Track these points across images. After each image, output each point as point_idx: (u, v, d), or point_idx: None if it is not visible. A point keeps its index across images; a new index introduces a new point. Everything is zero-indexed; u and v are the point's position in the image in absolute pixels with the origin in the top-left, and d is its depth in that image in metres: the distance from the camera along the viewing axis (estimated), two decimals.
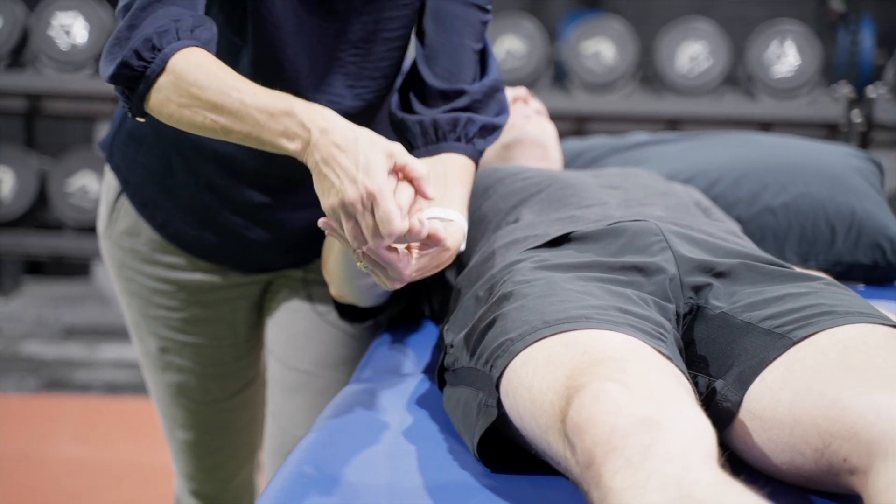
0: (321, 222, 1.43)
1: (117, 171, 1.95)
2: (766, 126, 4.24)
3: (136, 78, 1.50)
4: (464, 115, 1.72)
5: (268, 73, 1.70)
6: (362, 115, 1.78)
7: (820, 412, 1.25)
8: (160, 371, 2.08)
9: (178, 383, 2.08)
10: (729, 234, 1.66)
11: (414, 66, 1.78)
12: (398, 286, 1.45)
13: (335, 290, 1.80)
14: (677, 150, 2.34)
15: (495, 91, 1.79)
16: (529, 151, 2.13)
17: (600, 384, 1.18)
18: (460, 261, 1.80)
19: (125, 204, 1.96)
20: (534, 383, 1.29)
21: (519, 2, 8.02)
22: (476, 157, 1.74)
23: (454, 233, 1.54)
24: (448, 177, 1.68)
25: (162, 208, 1.92)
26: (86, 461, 3.65)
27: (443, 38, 1.76)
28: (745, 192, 2.18)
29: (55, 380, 4.32)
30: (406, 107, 1.78)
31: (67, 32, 4.34)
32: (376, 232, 1.36)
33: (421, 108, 1.75)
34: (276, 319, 2.03)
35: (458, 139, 1.72)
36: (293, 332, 2.00)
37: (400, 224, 1.35)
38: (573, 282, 1.45)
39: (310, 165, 1.40)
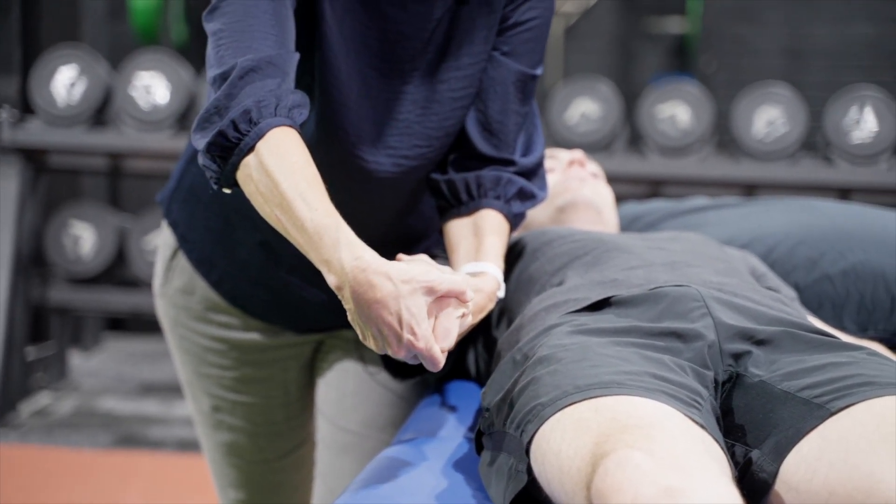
0: None
1: (174, 226, 1.97)
2: (844, 192, 4.18)
3: (229, 148, 1.52)
4: (505, 175, 1.76)
5: (332, 133, 1.73)
6: (421, 170, 1.81)
7: (854, 485, 1.22)
8: (212, 430, 2.09)
9: (230, 442, 2.09)
10: (775, 302, 1.64)
11: (463, 129, 1.80)
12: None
13: None
14: (736, 216, 2.32)
15: (539, 167, 1.85)
16: (584, 214, 2.12)
17: (626, 452, 1.17)
18: (507, 321, 1.80)
19: (181, 262, 1.98)
20: (561, 449, 1.27)
21: (605, 65, 8.06)
22: (511, 218, 1.78)
23: (487, 283, 1.64)
24: (483, 230, 1.74)
25: (218, 266, 1.94)
26: None
27: (497, 106, 1.79)
28: (803, 258, 2.15)
29: (129, 436, 4.36)
30: (445, 169, 1.81)
31: (149, 92, 4.41)
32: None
33: (458, 174, 1.79)
34: (327, 379, 2.03)
35: (497, 197, 1.77)
36: (343, 392, 2.00)
37: (440, 365, 1.41)
38: (608, 347, 1.44)
39: (345, 306, 1.44)
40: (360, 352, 1.99)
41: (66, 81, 4.44)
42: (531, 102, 1.83)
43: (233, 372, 2.01)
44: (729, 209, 2.38)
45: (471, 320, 1.52)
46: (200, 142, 1.55)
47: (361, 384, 1.99)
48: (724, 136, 4.63)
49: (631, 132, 4.73)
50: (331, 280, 1.43)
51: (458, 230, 1.79)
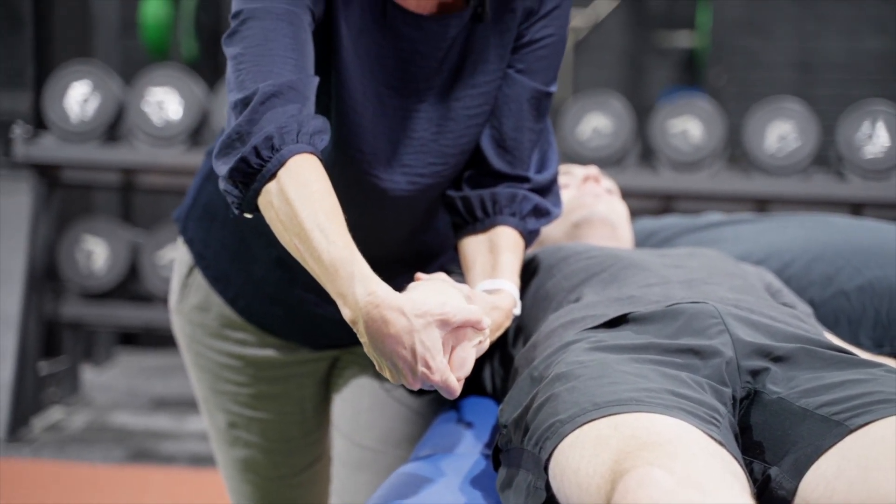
0: None
1: (190, 244, 1.98)
2: (856, 207, 4.18)
3: (252, 175, 1.53)
4: (521, 192, 1.77)
5: (348, 152, 1.74)
6: (436, 188, 1.82)
7: (874, 503, 1.22)
8: (228, 446, 2.10)
9: (246, 458, 2.09)
10: (792, 318, 1.64)
11: (478, 146, 1.81)
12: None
13: None
14: (751, 231, 2.32)
15: (553, 183, 1.86)
16: (599, 231, 2.12)
17: (646, 469, 1.17)
18: (524, 338, 1.80)
19: (197, 279, 1.98)
20: (580, 466, 1.28)
21: (614, 79, 8.06)
22: (526, 235, 1.80)
23: (504, 300, 1.67)
24: (499, 247, 1.76)
25: (234, 283, 1.95)
26: None
27: (511, 123, 1.79)
28: (819, 274, 2.15)
29: (142, 451, 4.36)
30: (460, 186, 1.82)
31: (161, 108, 4.42)
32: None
33: (473, 191, 1.80)
34: (343, 395, 2.03)
35: (513, 214, 1.78)
36: (358, 408, 2.00)
37: (457, 394, 1.41)
38: (627, 363, 1.44)
39: (360, 339, 1.44)
40: (375, 368, 1.99)
41: (79, 97, 4.45)
42: (546, 119, 1.83)
43: (248, 388, 2.02)
44: (744, 225, 2.38)
45: (488, 344, 1.52)
46: (222, 168, 1.56)
47: (377, 400, 1.99)
48: (735, 151, 4.63)
49: (643, 147, 4.73)
50: (346, 313, 1.45)
51: (473, 247, 1.79)
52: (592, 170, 2.22)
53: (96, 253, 4.60)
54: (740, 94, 6.53)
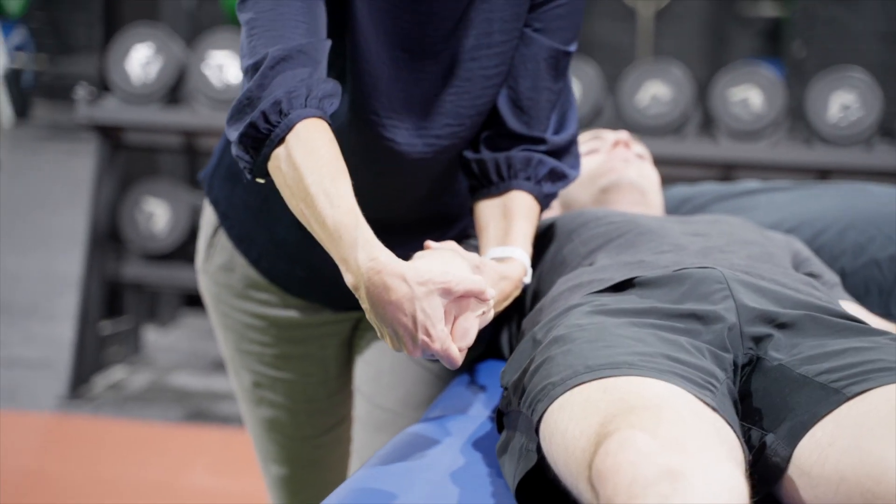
0: None
1: (216, 204, 1.99)
2: None
3: (261, 140, 1.54)
4: (536, 156, 1.75)
5: (363, 115, 1.73)
6: (453, 149, 1.81)
7: (865, 471, 1.20)
8: (254, 405, 2.11)
9: (271, 418, 2.10)
10: (804, 286, 1.61)
11: (495, 106, 1.79)
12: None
13: None
14: (786, 199, 2.28)
15: (571, 144, 1.83)
16: (627, 196, 2.10)
17: (628, 432, 1.15)
18: (536, 302, 1.80)
19: (222, 239, 1.99)
20: (568, 428, 1.27)
21: (695, 48, 7.97)
22: (542, 199, 1.77)
23: (513, 270, 1.63)
24: (513, 213, 1.74)
25: (257, 243, 1.95)
26: (217, 492, 3.72)
27: (528, 83, 1.78)
28: (851, 243, 2.11)
29: (199, 411, 4.41)
30: (477, 147, 1.80)
31: (221, 71, 4.45)
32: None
33: (489, 153, 1.78)
34: (365, 357, 2.03)
35: (528, 178, 1.76)
36: (379, 370, 2.01)
37: (458, 364, 1.40)
38: (625, 328, 1.43)
39: (362, 305, 1.42)
40: None
41: (141, 59, 4.49)
42: (565, 79, 1.81)
43: (273, 349, 2.03)
44: (779, 192, 2.34)
45: (492, 315, 1.50)
46: (233, 133, 1.56)
47: (398, 362, 1.99)
48: (797, 121, 4.56)
49: (704, 116, 4.68)
50: (348, 279, 1.44)
51: (487, 211, 1.78)
52: (623, 134, 2.19)
53: (157, 215, 4.64)
54: (822, 66, 6.43)
